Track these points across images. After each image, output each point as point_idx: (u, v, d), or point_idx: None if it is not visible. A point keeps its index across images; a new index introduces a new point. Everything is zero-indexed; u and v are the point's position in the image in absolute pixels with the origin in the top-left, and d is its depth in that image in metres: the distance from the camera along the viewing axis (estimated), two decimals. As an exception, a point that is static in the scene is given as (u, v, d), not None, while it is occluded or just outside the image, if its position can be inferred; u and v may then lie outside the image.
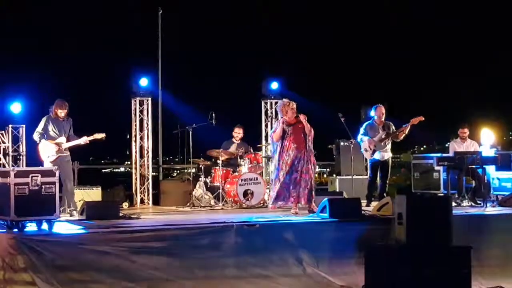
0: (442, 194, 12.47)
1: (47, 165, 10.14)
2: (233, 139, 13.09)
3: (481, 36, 23.85)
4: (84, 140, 10.50)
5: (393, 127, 11.91)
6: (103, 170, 21.58)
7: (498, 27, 23.21)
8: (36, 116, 10.88)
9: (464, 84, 24.37)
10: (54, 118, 10.50)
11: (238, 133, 13.06)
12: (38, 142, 10.49)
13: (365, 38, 24.27)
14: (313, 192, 10.23)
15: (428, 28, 23.91)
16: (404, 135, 11.80)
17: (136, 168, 13.63)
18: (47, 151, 10.38)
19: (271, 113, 14.46)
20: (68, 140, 10.49)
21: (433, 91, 25.63)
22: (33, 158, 11.19)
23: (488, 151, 12.51)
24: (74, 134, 10.62)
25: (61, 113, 10.48)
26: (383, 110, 11.90)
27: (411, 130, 11.80)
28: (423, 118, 11.62)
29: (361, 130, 11.95)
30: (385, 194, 11.65)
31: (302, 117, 10.16)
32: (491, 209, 10.69)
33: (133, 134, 13.68)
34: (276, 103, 14.22)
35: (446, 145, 12.71)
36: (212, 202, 12.30)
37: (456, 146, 12.34)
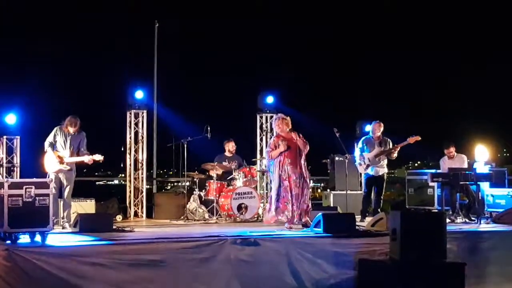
0: (436, 210, 12.47)
1: (51, 176, 10.12)
2: (226, 153, 13.08)
3: (478, 43, 23.93)
4: (85, 158, 10.36)
5: (390, 144, 11.92)
6: (97, 183, 21.50)
7: (494, 35, 23.29)
8: (31, 127, 10.86)
9: (459, 99, 24.46)
10: (64, 131, 10.48)
11: (231, 148, 13.06)
12: (45, 150, 10.46)
13: (361, 53, 24.35)
14: (307, 207, 10.22)
15: (425, 46, 24.05)
16: (395, 153, 11.81)
17: (130, 181, 13.60)
18: (51, 162, 10.38)
19: (266, 127, 14.47)
20: (78, 154, 10.45)
21: (429, 106, 25.71)
22: (27, 170, 11.16)
23: (482, 168, 12.51)
24: (86, 149, 10.50)
25: (71, 129, 10.44)
26: (381, 126, 11.92)
27: (406, 146, 11.82)
28: (420, 138, 11.64)
29: (359, 144, 12.00)
30: (379, 210, 11.67)
31: (294, 135, 10.13)
32: (485, 226, 10.69)
33: (128, 146, 13.66)
34: (271, 117, 14.25)
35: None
36: (206, 215, 12.27)
37: (445, 165, 12.27)
